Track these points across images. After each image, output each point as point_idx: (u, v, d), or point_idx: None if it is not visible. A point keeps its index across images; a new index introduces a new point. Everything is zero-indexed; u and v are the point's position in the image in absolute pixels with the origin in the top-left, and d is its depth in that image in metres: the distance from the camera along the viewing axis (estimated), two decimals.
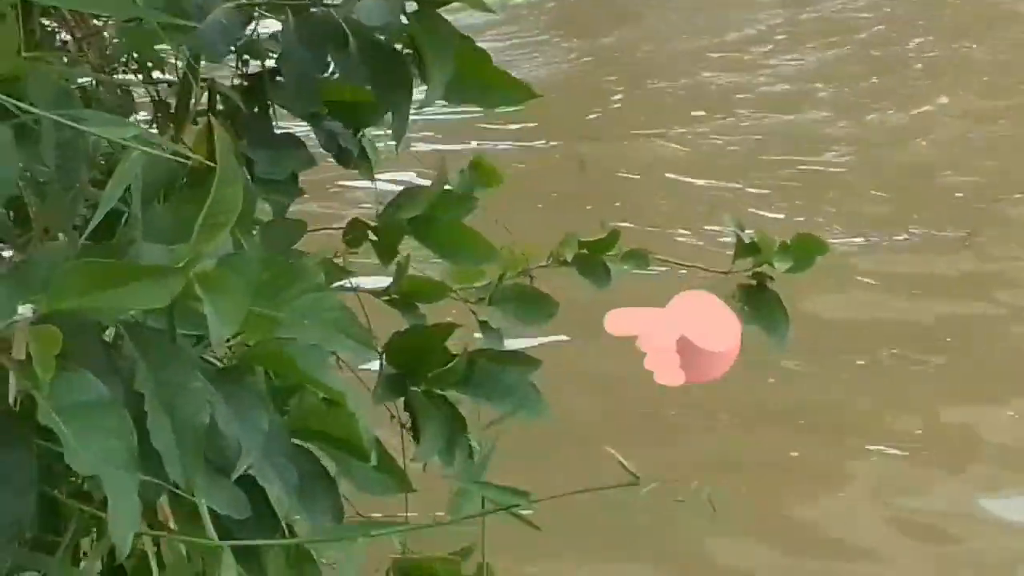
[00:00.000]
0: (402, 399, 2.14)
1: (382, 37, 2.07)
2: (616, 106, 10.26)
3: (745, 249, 2.54)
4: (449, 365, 2.09)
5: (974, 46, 10.97)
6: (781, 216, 8.01)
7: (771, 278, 2.54)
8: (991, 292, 7.15)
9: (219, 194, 1.46)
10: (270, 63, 2.17)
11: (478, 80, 2.13)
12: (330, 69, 2.12)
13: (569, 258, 2.47)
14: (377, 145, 2.34)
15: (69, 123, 1.53)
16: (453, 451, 2.11)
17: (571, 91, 10.46)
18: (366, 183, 2.36)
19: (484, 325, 2.37)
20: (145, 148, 1.48)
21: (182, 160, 1.57)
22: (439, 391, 2.12)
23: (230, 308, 1.44)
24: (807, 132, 9.38)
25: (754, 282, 2.55)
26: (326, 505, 1.73)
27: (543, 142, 9.28)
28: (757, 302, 2.54)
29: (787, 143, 9.30)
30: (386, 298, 2.30)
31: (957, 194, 8.27)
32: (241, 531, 1.62)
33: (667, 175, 8.78)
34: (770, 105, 10.04)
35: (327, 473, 1.77)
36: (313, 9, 2.08)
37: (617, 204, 8.15)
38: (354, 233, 2.29)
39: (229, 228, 1.46)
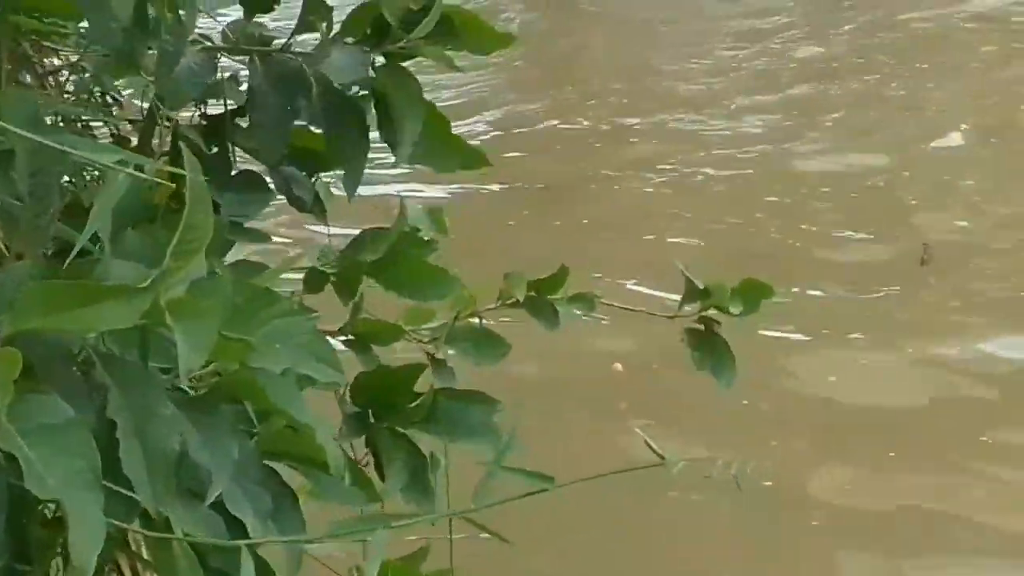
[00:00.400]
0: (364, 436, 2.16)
1: (343, 88, 2.10)
2: (587, 140, 10.30)
3: (693, 294, 2.56)
4: (415, 404, 2.11)
5: (928, 68, 11.09)
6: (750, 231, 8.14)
7: (718, 323, 2.57)
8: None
9: (192, 219, 1.46)
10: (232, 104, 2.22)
11: (437, 144, 2.18)
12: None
13: (520, 298, 2.49)
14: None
15: (54, 144, 1.52)
16: (417, 488, 2.12)
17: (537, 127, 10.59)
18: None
19: (437, 364, 2.37)
20: (131, 172, 1.51)
21: (164, 183, 1.59)
22: (402, 430, 2.14)
23: (200, 335, 1.45)
24: (774, 168, 9.38)
25: (702, 326, 2.58)
26: (296, 525, 1.75)
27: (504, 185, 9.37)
28: (705, 346, 2.57)
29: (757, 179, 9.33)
30: (342, 339, 2.33)
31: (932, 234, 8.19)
32: (213, 554, 1.61)
33: (641, 214, 8.74)
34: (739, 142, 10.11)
35: (292, 493, 1.78)
36: (279, 56, 2.12)
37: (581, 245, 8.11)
38: (314, 276, 2.30)
39: (201, 253, 1.46)
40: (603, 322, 2.80)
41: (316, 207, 2.36)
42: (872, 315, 7.14)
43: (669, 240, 8.12)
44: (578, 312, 2.53)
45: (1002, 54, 11.24)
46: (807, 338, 6.86)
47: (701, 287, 2.56)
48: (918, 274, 7.51)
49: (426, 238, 2.34)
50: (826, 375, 6.57)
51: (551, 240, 7.86)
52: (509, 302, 2.51)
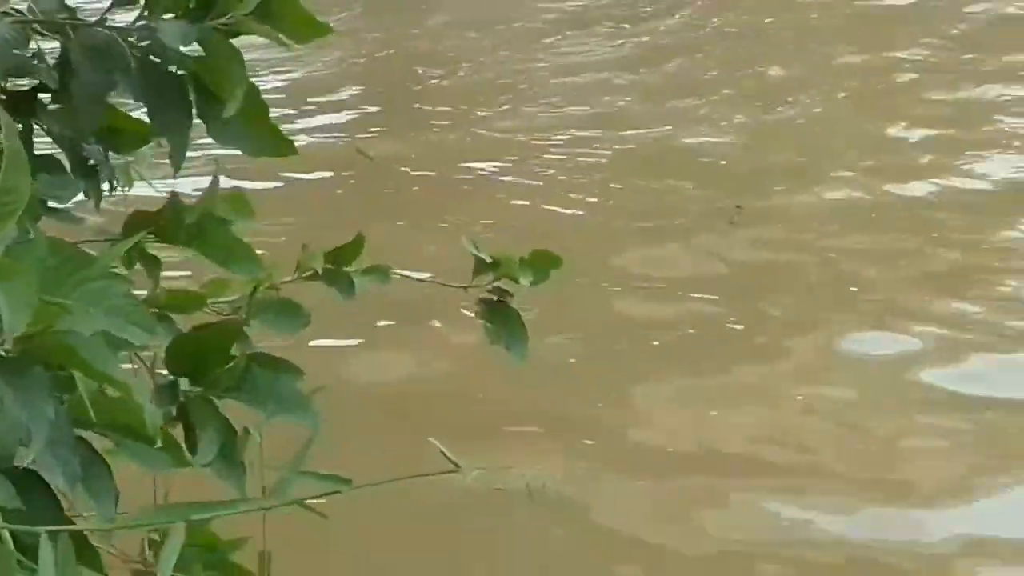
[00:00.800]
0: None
1: (163, 63, 2.10)
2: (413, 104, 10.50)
3: (484, 265, 2.62)
4: (228, 367, 2.10)
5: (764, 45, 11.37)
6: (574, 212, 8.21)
7: (510, 294, 2.63)
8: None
9: (8, 181, 1.47)
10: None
11: (250, 128, 2.18)
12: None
13: (319, 269, 2.53)
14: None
15: None
16: (227, 460, 2.11)
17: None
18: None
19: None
20: None
21: None
22: (215, 399, 2.12)
23: (22, 296, 1.46)
24: (609, 152, 9.38)
25: (495, 297, 2.64)
26: (108, 492, 1.76)
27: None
28: (498, 318, 2.64)
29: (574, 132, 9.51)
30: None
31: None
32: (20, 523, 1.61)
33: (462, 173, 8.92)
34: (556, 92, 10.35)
35: (103, 460, 1.78)
36: (95, 30, 2.10)
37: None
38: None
39: (17, 216, 1.49)
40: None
41: (94, 193, 2.38)
42: (699, 315, 7.03)
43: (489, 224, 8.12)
44: (372, 283, 2.59)
45: (840, 27, 11.63)
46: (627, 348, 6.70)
47: (490, 260, 2.62)
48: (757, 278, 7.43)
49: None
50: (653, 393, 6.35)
51: (371, 225, 7.89)
52: (306, 274, 2.55)
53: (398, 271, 2.67)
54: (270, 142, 2.22)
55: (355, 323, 6.41)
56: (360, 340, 6.60)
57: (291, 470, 1.84)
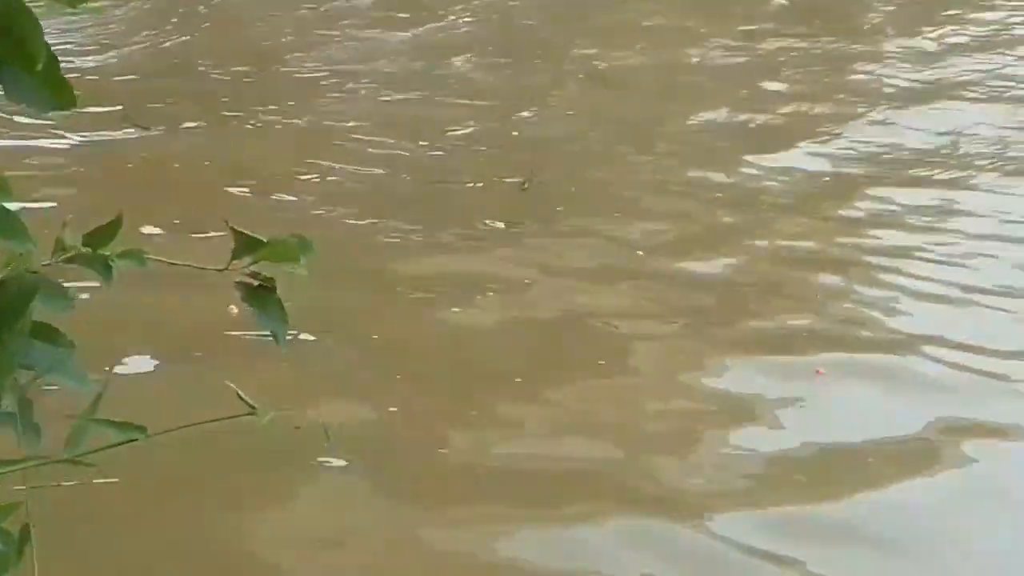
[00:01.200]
0: None
1: None
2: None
3: (245, 247, 2.59)
4: (15, 327, 2.12)
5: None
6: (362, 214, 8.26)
7: (272, 279, 2.61)
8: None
9: None
10: None
11: (42, 81, 2.16)
12: None
13: (83, 251, 2.49)
14: None
15: None
16: (24, 415, 2.15)
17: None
18: None
19: None
20: None
21: None
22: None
23: None
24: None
25: (255, 282, 2.62)
26: None
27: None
28: (258, 302, 2.62)
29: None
30: None
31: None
32: None
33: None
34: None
35: None
36: None
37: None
38: None
39: None
40: None
41: None
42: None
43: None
44: (128, 267, 2.56)
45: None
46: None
47: (262, 239, 2.58)
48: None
49: None
50: None
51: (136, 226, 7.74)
52: (65, 257, 2.51)
53: (153, 256, 2.64)
54: (54, 94, 2.21)
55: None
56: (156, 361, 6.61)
57: (84, 419, 1.92)
